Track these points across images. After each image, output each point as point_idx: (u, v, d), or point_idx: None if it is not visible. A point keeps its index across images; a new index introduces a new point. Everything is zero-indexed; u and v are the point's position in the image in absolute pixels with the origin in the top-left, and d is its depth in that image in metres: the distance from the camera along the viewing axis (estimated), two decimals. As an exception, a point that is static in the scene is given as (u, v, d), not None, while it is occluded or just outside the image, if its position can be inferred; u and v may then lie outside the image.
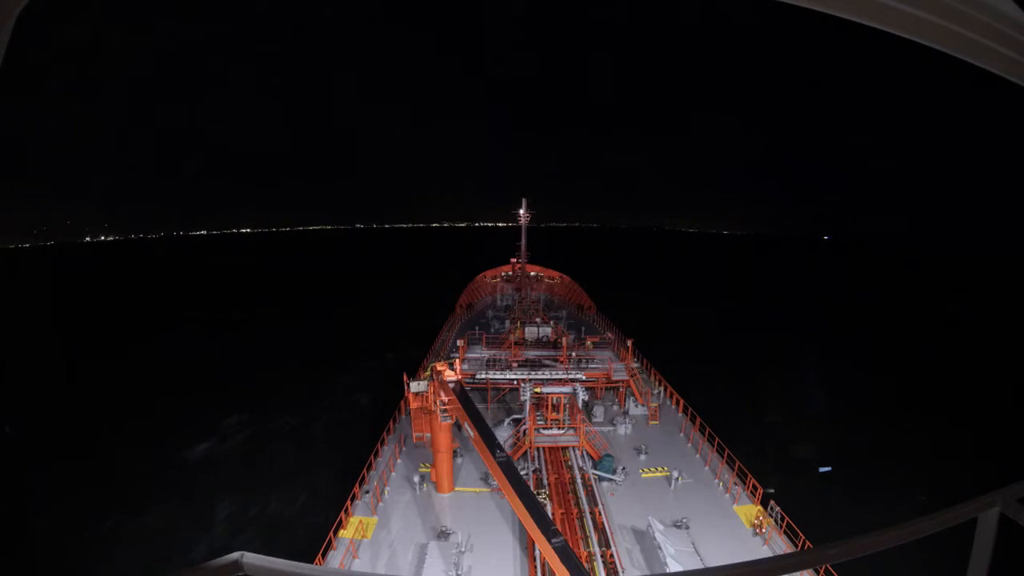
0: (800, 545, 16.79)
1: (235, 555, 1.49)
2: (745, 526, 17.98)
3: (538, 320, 34.81)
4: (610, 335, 32.71)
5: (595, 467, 21.30)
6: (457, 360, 25.33)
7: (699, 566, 12.76)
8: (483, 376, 26.36)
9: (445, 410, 19.23)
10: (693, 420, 24.95)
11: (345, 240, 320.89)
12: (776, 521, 17.70)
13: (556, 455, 22.39)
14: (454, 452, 20.92)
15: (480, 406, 22.73)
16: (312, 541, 16.80)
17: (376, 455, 22.00)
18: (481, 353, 29.26)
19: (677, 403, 27.42)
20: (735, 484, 19.96)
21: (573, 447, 22.45)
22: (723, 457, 21.56)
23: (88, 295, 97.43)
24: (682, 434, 24.78)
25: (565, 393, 23.65)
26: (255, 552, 1.51)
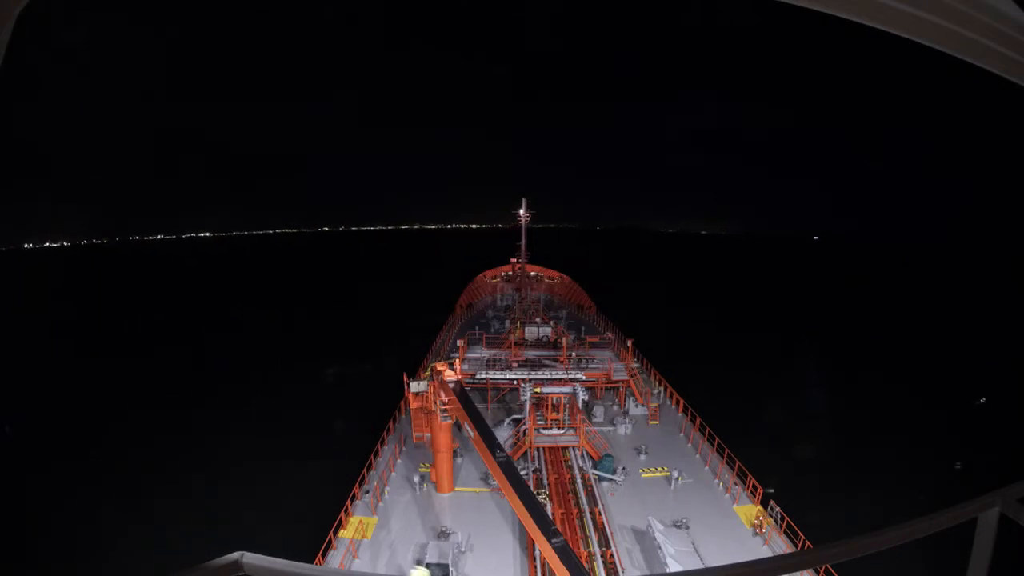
0: (800, 545, 16.79)
1: (235, 555, 1.48)
2: (745, 526, 17.98)
3: (538, 320, 34.80)
4: (610, 335, 32.70)
5: (595, 467, 21.29)
6: (457, 360, 25.33)
7: (699, 566, 12.76)
8: (483, 376, 26.36)
9: (445, 410, 19.23)
10: (693, 420, 24.95)
11: (319, 243, 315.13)
12: (776, 521, 17.70)
13: (556, 455, 22.38)
14: (454, 452, 20.92)
15: (480, 406, 22.73)
16: (312, 541, 16.79)
17: (376, 455, 22.00)
18: (481, 353, 29.24)
19: (677, 403, 27.41)
20: (735, 484, 19.96)
21: (573, 447, 22.45)
22: (723, 457, 21.55)
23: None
24: (682, 434, 24.77)
25: (565, 393, 23.65)
26: (255, 552, 1.51)
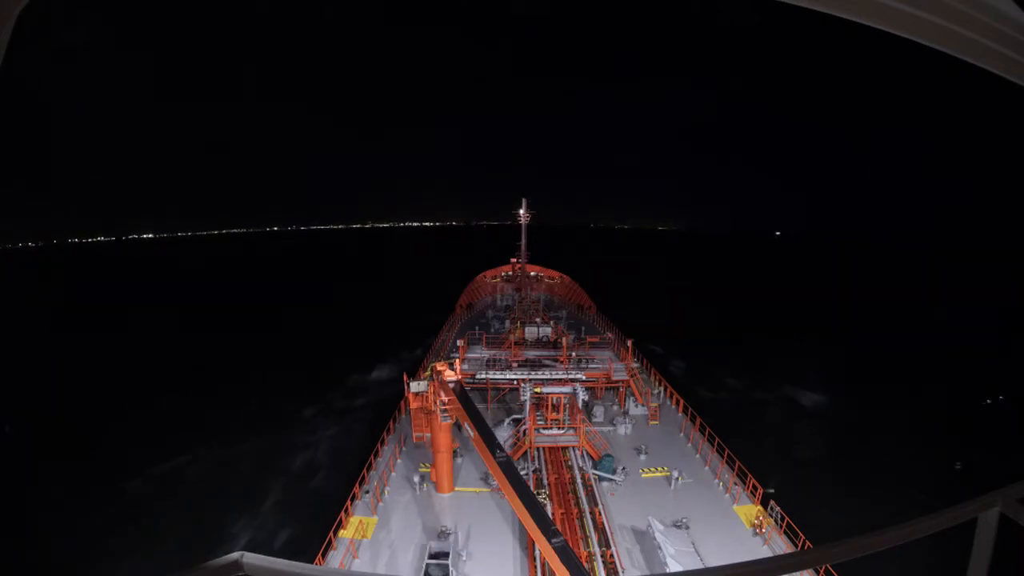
0: (800, 545, 16.80)
1: (235, 555, 1.49)
2: (745, 526, 17.98)
3: (538, 320, 34.81)
4: (610, 335, 32.71)
5: (595, 467, 21.29)
6: (457, 360, 25.35)
7: (699, 566, 12.73)
8: (483, 376, 26.36)
9: (445, 410, 19.23)
10: (693, 420, 24.95)
11: (317, 243, 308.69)
12: (776, 521, 17.71)
13: (556, 455, 22.39)
14: (454, 452, 20.92)
15: (480, 406, 22.73)
16: (312, 541, 16.80)
17: (376, 455, 22.01)
18: (481, 353, 29.25)
19: (677, 403, 27.41)
20: (735, 484, 19.96)
21: (573, 447, 22.46)
22: (723, 457, 21.56)
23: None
24: (682, 434, 24.78)
25: (565, 393, 23.65)
26: (255, 552, 1.51)
